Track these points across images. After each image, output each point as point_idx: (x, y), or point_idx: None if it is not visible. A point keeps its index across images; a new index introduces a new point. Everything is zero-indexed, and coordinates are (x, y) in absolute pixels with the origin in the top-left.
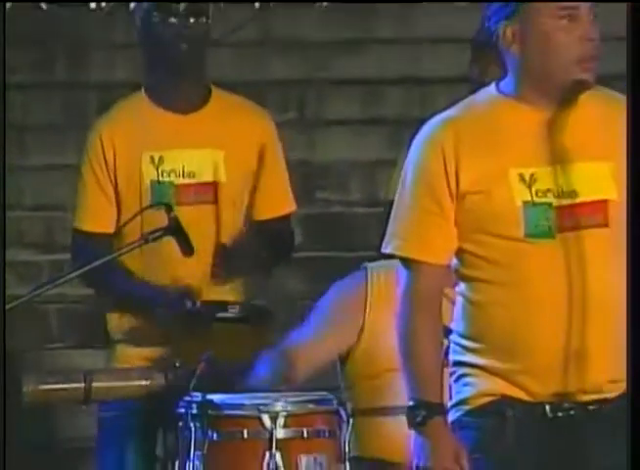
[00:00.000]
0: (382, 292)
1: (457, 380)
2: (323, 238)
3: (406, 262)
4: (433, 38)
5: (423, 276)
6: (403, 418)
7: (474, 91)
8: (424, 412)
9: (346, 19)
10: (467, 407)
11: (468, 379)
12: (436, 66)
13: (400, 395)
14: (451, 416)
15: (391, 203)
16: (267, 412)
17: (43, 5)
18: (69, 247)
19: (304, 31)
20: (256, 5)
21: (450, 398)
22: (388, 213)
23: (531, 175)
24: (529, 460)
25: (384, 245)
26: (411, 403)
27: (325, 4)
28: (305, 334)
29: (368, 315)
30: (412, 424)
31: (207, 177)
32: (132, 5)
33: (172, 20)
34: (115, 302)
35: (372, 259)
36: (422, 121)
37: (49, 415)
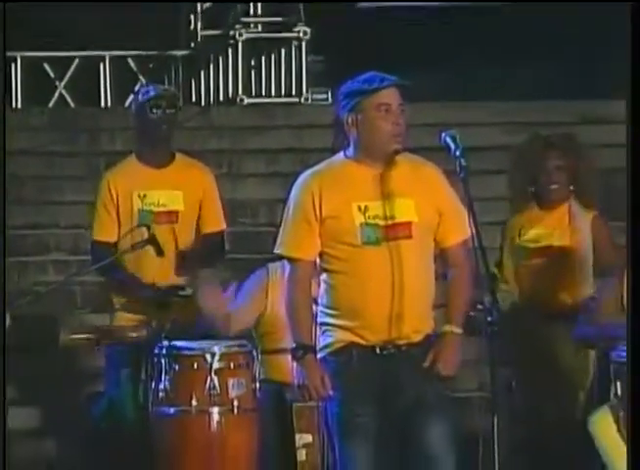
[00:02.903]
0: (277, 280)
1: (322, 333)
2: (242, 246)
3: (288, 259)
4: (309, 124)
5: (298, 268)
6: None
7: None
8: (301, 351)
9: (256, 112)
10: (328, 350)
11: (329, 332)
12: (311, 141)
13: (289, 341)
14: (319, 356)
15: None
16: (209, 352)
17: (72, 103)
18: (89, 251)
19: (230, 120)
20: (202, 103)
21: (318, 344)
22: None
23: (365, 207)
24: (368, 382)
25: (275, 248)
26: (294, 345)
27: (245, 102)
28: (236, 306)
29: (269, 295)
30: (294, 358)
31: (172, 207)
32: (127, 102)
33: (155, 111)
34: (115, 286)
35: (271, 260)
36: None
37: (75, 353)
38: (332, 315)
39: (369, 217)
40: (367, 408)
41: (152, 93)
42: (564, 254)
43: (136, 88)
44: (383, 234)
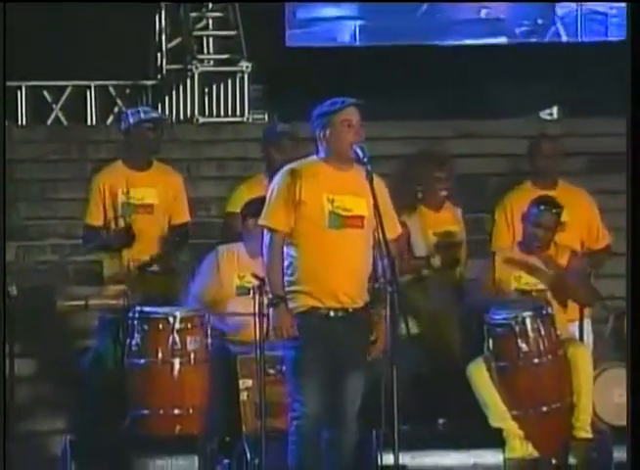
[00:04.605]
0: (224, 259)
1: (288, 299)
2: (197, 233)
3: (268, 229)
4: (251, 138)
5: (275, 236)
6: (240, 318)
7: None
8: (277, 299)
9: (209, 129)
10: (294, 312)
11: (294, 298)
12: (253, 152)
13: (233, 307)
14: None
15: (228, 214)
16: (171, 316)
17: (65, 122)
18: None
19: (188, 135)
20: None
21: None
22: (226, 221)
23: (332, 199)
24: (320, 337)
25: (260, 220)
26: (271, 296)
27: (200, 121)
28: (199, 284)
29: (219, 270)
30: (271, 305)
31: (149, 201)
32: (109, 121)
33: (150, 127)
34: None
35: (220, 243)
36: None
37: (68, 316)
38: (296, 283)
39: (335, 207)
40: (318, 355)
41: (147, 115)
42: (461, 245)
43: (128, 110)
44: (343, 222)
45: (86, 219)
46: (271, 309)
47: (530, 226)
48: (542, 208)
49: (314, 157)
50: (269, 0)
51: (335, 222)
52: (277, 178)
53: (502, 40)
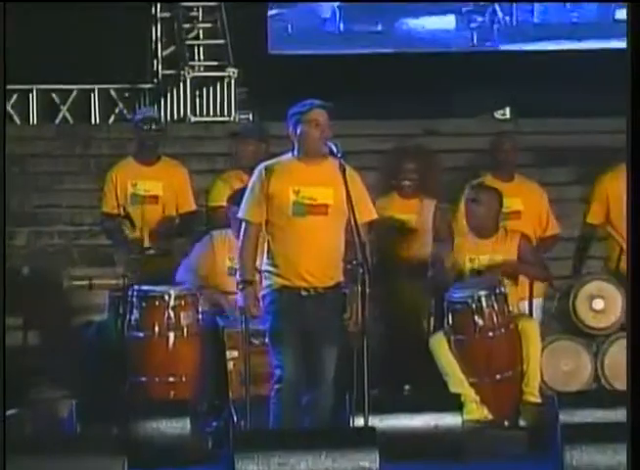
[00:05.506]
0: (218, 242)
1: (265, 279)
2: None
3: (244, 221)
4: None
5: (250, 227)
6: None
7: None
8: (244, 283)
9: (199, 127)
10: (268, 289)
11: (268, 278)
12: None
13: (226, 285)
14: (262, 293)
15: (211, 208)
16: (166, 294)
17: (71, 121)
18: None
19: (181, 132)
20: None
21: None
22: (209, 213)
23: (298, 190)
24: (293, 312)
25: (238, 213)
26: (239, 279)
27: (192, 120)
28: (196, 264)
29: (213, 252)
30: (238, 288)
31: (155, 193)
32: (110, 121)
33: (146, 127)
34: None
35: (212, 229)
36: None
37: (74, 293)
38: (271, 265)
39: (299, 198)
40: (291, 328)
41: (142, 115)
42: (420, 231)
43: (136, 112)
44: (307, 210)
45: (102, 208)
46: (239, 291)
47: (469, 204)
48: (476, 188)
49: (289, 154)
50: None
51: (298, 210)
52: (254, 175)
53: (451, 18)
